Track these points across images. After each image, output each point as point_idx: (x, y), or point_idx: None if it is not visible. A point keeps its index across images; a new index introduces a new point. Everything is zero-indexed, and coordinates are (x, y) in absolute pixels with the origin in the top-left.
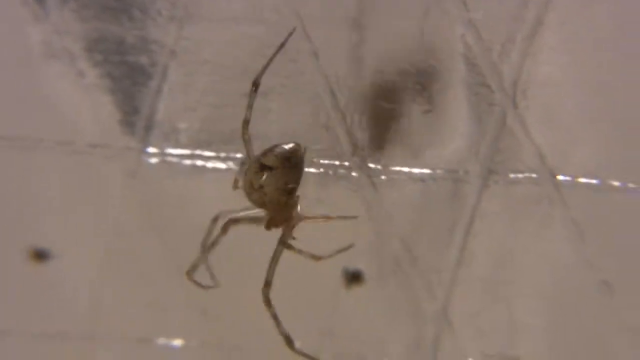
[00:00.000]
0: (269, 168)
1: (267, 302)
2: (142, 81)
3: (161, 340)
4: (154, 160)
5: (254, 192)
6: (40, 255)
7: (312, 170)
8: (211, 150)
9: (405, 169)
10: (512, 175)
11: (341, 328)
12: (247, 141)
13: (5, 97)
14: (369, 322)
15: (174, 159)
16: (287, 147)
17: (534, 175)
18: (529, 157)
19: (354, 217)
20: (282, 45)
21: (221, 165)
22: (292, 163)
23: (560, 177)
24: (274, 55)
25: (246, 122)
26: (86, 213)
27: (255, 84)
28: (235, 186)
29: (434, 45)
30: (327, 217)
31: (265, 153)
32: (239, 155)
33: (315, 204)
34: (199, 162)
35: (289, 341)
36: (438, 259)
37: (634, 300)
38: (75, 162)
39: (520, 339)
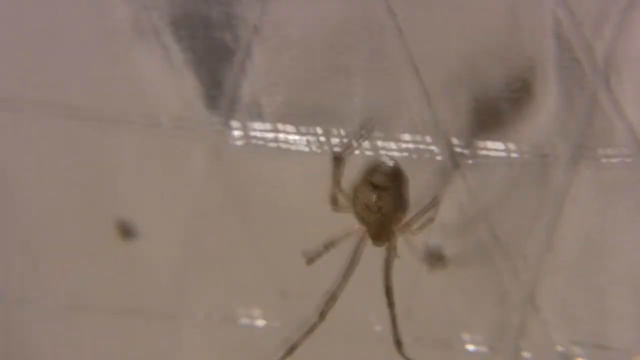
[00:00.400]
0: (382, 188)
1: (390, 304)
2: (226, 57)
3: (244, 320)
4: (238, 136)
5: (371, 214)
6: (126, 232)
7: (395, 153)
8: (293, 125)
9: (493, 152)
10: (604, 158)
11: (422, 311)
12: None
13: (92, 72)
14: (451, 307)
15: (258, 135)
16: (390, 164)
17: (627, 158)
18: (622, 137)
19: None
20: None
21: (304, 149)
22: (401, 179)
23: None
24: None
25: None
26: (169, 191)
27: (337, 160)
28: (334, 205)
29: (523, 22)
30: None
31: (371, 173)
32: (319, 130)
33: None
34: (283, 145)
35: (399, 345)
36: (525, 244)
37: None
38: (158, 138)
39: (610, 327)
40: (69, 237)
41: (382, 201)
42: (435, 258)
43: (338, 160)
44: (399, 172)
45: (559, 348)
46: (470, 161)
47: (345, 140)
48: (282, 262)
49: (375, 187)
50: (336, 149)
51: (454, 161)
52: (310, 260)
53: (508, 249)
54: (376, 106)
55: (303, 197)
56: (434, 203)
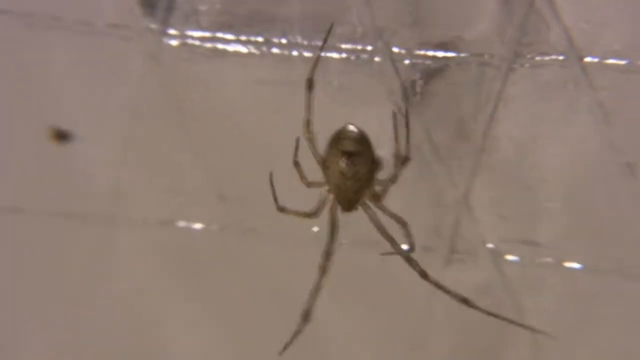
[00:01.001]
0: (352, 153)
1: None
2: None
3: (181, 223)
4: (174, 42)
5: (348, 181)
6: (61, 136)
7: (334, 55)
8: (232, 33)
9: (430, 53)
10: (538, 58)
11: (358, 213)
12: (311, 140)
13: None
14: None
15: (195, 42)
16: (353, 128)
17: (561, 57)
18: (556, 38)
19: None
20: (325, 40)
21: (242, 49)
22: (366, 140)
23: (587, 59)
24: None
25: (308, 123)
26: (106, 95)
27: (309, 82)
28: (306, 182)
29: None
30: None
31: (337, 141)
32: (259, 39)
33: (338, 92)
34: (220, 45)
35: (424, 275)
36: (460, 145)
37: None
38: (94, 43)
39: (540, 224)
40: (3, 141)
41: (357, 166)
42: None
43: (310, 83)
44: (364, 135)
45: (490, 245)
46: (407, 61)
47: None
48: (220, 166)
49: (346, 153)
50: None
51: (392, 62)
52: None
53: (443, 150)
54: (314, 8)
55: (241, 101)
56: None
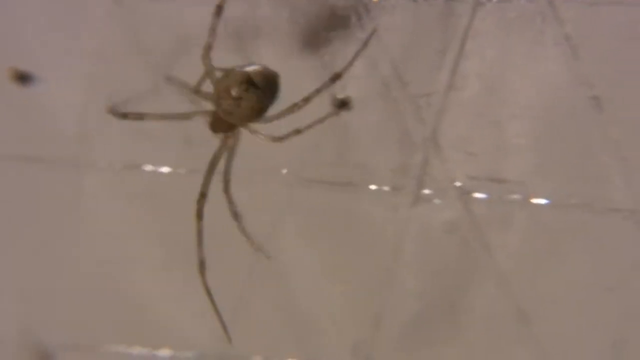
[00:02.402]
0: (254, 85)
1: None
2: None
3: (148, 167)
4: None
5: (227, 99)
6: (23, 78)
7: None
8: None
9: None
10: None
11: (328, 153)
12: (208, 65)
13: None
14: (355, 148)
15: None
16: (271, 70)
17: None
18: None
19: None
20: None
21: None
22: (275, 88)
23: None
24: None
25: (207, 48)
26: (69, 35)
27: (219, 9)
28: (205, 56)
29: None
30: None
31: (250, 68)
32: None
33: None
34: None
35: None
36: (428, 83)
37: (622, 114)
38: None
39: (508, 161)
40: None
41: (246, 97)
42: (339, 103)
43: (218, 9)
44: (275, 79)
45: (458, 183)
46: None
47: None
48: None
49: (248, 80)
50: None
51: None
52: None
53: (411, 88)
54: None
55: (200, 38)
56: (303, 102)
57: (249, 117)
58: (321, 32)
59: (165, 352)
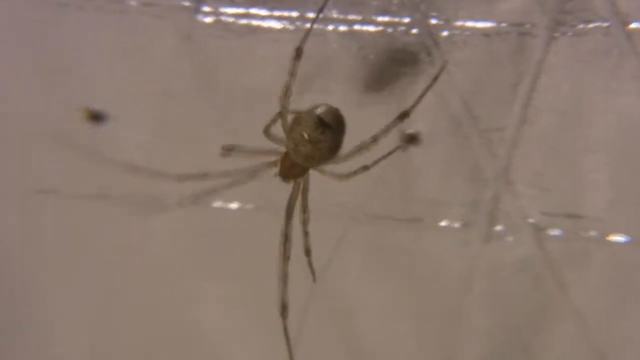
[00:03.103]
0: (328, 125)
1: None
2: None
3: (216, 204)
4: (208, 19)
5: (305, 145)
6: (94, 116)
7: (370, 28)
8: (266, 9)
9: (469, 23)
10: (581, 26)
11: (396, 189)
12: (284, 107)
13: None
14: (425, 184)
15: (229, 19)
16: (335, 108)
17: (604, 24)
18: (599, 4)
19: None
20: (321, 10)
21: (276, 25)
22: (343, 125)
23: (632, 25)
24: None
25: (286, 90)
26: (139, 74)
27: (298, 51)
28: (283, 98)
29: None
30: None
31: (316, 108)
32: (294, 14)
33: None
34: (254, 22)
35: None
36: (500, 117)
37: None
38: (126, 22)
39: (583, 196)
40: (37, 124)
41: (322, 139)
42: (408, 138)
43: (298, 52)
44: (341, 116)
45: (532, 220)
46: (445, 32)
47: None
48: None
49: (322, 122)
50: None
51: (430, 34)
52: (226, 153)
53: (482, 123)
54: None
55: (276, 79)
56: (371, 141)
57: (326, 158)
58: (390, 67)
59: None
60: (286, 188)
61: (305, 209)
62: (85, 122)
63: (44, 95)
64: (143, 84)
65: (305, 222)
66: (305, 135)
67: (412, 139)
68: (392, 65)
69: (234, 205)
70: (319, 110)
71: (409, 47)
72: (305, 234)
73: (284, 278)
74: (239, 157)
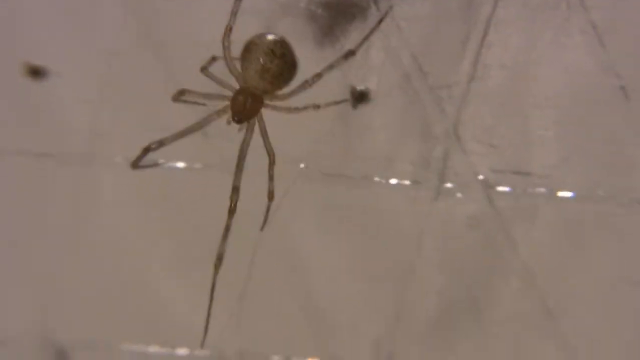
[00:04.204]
0: (282, 41)
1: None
2: None
3: (163, 162)
4: None
5: (265, 63)
6: (36, 72)
7: None
8: None
9: None
10: None
11: (346, 147)
12: (226, 48)
13: None
14: (375, 141)
15: None
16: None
17: None
18: None
19: (342, 102)
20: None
21: None
22: (292, 55)
23: None
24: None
25: (228, 30)
26: (82, 30)
27: None
28: (225, 38)
29: None
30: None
31: (260, 37)
32: None
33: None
34: None
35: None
36: (450, 74)
37: None
38: None
39: (532, 153)
40: None
41: (283, 49)
42: (358, 94)
43: None
44: (290, 48)
45: (481, 177)
46: None
47: None
48: None
49: (273, 38)
50: None
51: None
52: (176, 98)
53: (432, 79)
54: None
55: (219, 30)
56: (315, 76)
57: (284, 79)
58: (340, 23)
59: (182, 351)
60: (235, 145)
61: (269, 150)
62: (25, 76)
63: None
64: (87, 39)
65: (270, 164)
66: (263, 54)
67: (362, 96)
68: (341, 20)
69: (181, 164)
70: (267, 33)
71: (357, 1)
72: (270, 177)
73: (226, 231)
74: (189, 106)
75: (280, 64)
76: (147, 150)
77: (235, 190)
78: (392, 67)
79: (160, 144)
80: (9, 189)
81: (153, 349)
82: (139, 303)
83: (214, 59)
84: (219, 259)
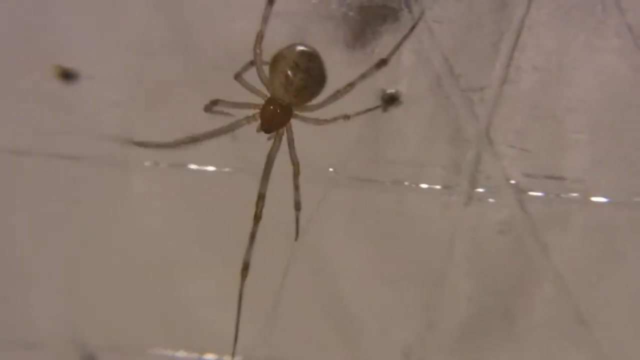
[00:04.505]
0: (311, 53)
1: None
2: None
3: (193, 166)
4: None
5: (294, 75)
6: (68, 75)
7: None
8: None
9: None
10: None
11: (376, 151)
12: (257, 55)
13: None
14: (405, 145)
15: None
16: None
17: None
18: None
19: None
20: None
21: None
22: (323, 63)
23: None
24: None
25: (259, 37)
26: (113, 33)
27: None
28: (257, 45)
29: None
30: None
31: (290, 47)
32: None
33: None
34: None
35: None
36: (482, 77)
37: None
38: None
39: (565, 158)
40: (7, 81)
41: (311, 63)
42: (388, 97)
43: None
44: (319, 58)
45: (513, 181)
46: None
47: None
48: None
49: (302, 50)
50: None
51: None
52: (208, 109)
53: (464, 82)
54: None
55: (250, 32)
56: (348, 86)
57: (312, 93)
58: (371, 25)
59: (210, 356)
60: (264, 149)
61: (294, 161)
62: (57, 80)
63: (15, 51)
64: (118, 41)
65: (295, 175)
66: (288, 67)
67: (392, 100)
68: (372, 22)
69: (211, 168)
70: (297, 44)
71: (389, 3)
72: (296, 187)
73: (251, 238)
74: (220, 115)
75: (304, 77)
76: (175, 144)
77: (261, 197)
78: (424, 70)
79: (191, 140)
80: (40, 192)
81: (181, 354)
82: (167, 308)
83: (251, 63)
84: (245, 267)
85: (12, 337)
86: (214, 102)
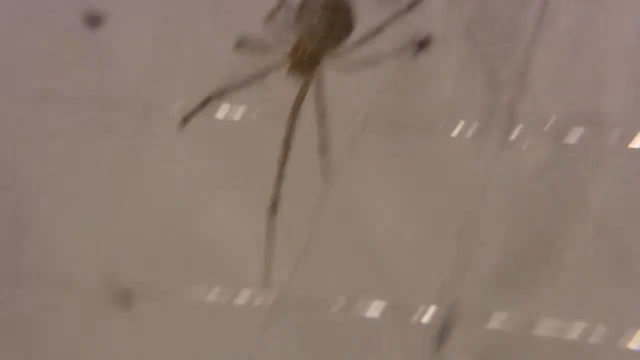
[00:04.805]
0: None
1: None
2: None
3: (220, 114)
4: None
5: (324, 13)
6: (94, 21)
7: None
8: None
9: None
10: None
11: (408, 96)
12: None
13: None
14: (438, 90)
15: None
16: None
17: None
18: None
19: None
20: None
21: None
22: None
23: None
24: None
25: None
26: None
27: None
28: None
29: None
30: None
31: None
32: None
33: None
34: None
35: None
36: (517, 19)
37: None
38: None
39: (602, 101)
40: (34, 27)
41: (340, 3)
42: (420, 42)
43: None
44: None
45: (549, 125)
46: None
47: None
48: None
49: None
50: None
51: None
52: (238, 46)
53: (498, 25)
54: None
55: None
56: (378, 29)
57: (343, 32)
58: None
59: (246, 292)
60: (292, 95)
61: (321, 106)
62: (84, 27)
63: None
64: None
65: (320, 119)
66: (313, 12)
67: (423, 44)
68: None
69: (237, 116)
70: None
71: None
72: (321, 131)
73: (279, 178)
74: (249, 55)
75: (331, 17)
76: (208, 100)
77: (287, 140)
78: (456, 13)
79: (221, 93)
80: (68, 135)
81: (216, 290)
82: (202, 247)
83: (279, 7)
84: (274, 204)
85: (45, 279)
86: (242, 41)
